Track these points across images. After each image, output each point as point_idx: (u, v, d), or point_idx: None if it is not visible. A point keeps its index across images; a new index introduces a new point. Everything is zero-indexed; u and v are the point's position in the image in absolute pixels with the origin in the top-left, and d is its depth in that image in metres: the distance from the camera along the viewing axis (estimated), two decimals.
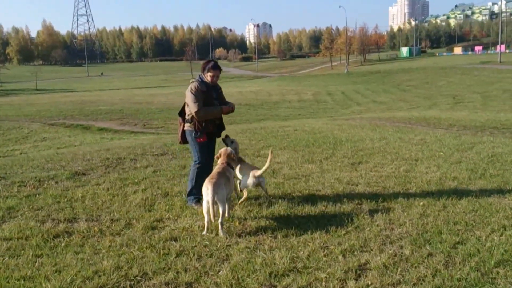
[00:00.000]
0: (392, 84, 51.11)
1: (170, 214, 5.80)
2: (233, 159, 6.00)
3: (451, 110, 24.09)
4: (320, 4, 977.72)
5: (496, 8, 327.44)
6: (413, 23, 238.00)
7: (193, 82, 6.14)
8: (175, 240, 4.94)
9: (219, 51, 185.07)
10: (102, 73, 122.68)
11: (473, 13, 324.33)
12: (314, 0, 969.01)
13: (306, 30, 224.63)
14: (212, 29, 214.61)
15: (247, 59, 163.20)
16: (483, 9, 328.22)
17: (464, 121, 15.37)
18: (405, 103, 33.53)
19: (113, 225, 5.47)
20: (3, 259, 4.53)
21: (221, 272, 4.11)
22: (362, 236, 4.75)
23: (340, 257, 4.26)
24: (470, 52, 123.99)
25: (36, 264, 4.40)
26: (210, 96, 6.13)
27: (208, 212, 5.10)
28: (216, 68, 6.15)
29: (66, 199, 6.58)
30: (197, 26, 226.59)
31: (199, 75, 6.20)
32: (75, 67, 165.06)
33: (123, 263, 4.37)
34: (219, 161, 5.87)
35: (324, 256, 4.29)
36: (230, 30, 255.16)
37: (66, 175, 7.96)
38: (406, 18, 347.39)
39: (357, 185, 6.93)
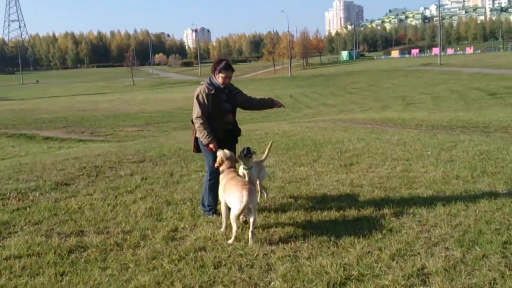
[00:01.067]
0: (337, 87, 52.22)
1: (184, 223, 5.57)
2: (237, 161, 5.78)
3: (405, 111, 24.84)
4: (258, 9, 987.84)
5: (428, 13, 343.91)
6: (349, 27, 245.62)
7: (202, 84, 5.81)
8: (203, 250, 4.71)
9: (159, 57, 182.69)
10: (37, 81, 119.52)
11: (406, 17, 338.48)
12: (252, 5, 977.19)
13: (246, 35, 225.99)
14: (151, 35, 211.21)
15: (187, 64, 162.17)
16: (416, 14, 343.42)
17: (429, 121, 15.85)
18: (356, 105, 34.30)
19: (128, 237, 5.18)
20: (23, 279, 4.15)
21: (273, 283, 3.93)
22: (402, 239, 4.69)
23: (392, 262, 4.16)
24: (407, 55, 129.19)
25: (63, 282, 4.08)
26: (218, 99, 5.73)
27: (237, 220, 4.89)
28: (228, 69, 5.74)
29: (63, 211, 6.21)
30: (135, 31, 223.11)
31: (209, 77, 5.86)
32: (7, 74, 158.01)
33: (161, 277, 4.11)
34: (225, 168, 5.46)
35: (375, 262, 4.18)
36: (168, 35, 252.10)
37: (50, 186, 7.52)
38: (342, 23, 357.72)
39: (361, 187, 6.92)
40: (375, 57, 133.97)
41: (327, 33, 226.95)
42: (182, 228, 5.42)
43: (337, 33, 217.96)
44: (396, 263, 4.14)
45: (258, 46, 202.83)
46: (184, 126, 24.69)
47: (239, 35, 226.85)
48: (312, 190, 6.83)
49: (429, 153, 9.22)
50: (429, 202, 5.87)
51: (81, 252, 4.80)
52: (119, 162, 9.65)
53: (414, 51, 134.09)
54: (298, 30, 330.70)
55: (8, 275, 4.27)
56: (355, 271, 4.00)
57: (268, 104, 6.15)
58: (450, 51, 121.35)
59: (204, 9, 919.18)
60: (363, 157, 9.11)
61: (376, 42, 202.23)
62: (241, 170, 5.92)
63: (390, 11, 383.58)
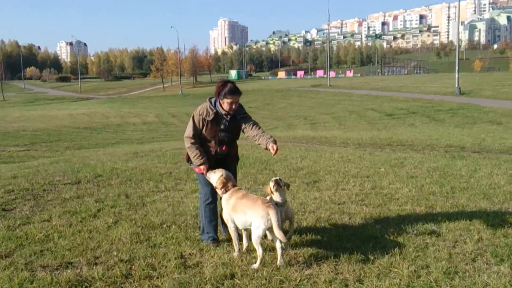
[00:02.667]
0: None
1: (187, 249, 5.13)
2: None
3: (315, 130, 25.68)
4: (138, 23, 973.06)
5: (309, 36, 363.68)
6: (235, 47, 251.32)
7: (206, 103, 5.22)
8: (234, 277, 4.35)
9: (31, 70, 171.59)
10: None
11: (289, 39, 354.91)
12: (132, 20, 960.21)
13: (128, 50, 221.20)
14: (21, 46, 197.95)
15: (64, 79, 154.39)
16: (298, 37, 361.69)
17: (352, 139, 16.49)
18: (260, 124, 34.86)
19: (133, 267, 4.65)
20: None
21: None
22: (439, 256, 4.68)
23: (450, 281, 4.11)
24: (293, 77, 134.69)
25: None
26: (213, 128, 5.15)
27: (261, 241, 4.59)
28: (235, 92, 5.07)
29: (28, 241, 5.46)
30: (2, 42, 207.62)
31: (215, 98, 5.21)
32: None
33: None
34: (230, 186, 5.02)
35: (433, 282, 4.10)
36: (39, 47, 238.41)
37: None
38: (227, 42, 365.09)
39: (345, 203, 6.93)
40: (263, 77, 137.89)
41: (213, 52, 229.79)
42: (190, 254, 5.00)
43: (223, 52, 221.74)
44: (452, 280, 4.11)
45: (141, 62, 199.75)
46: (77, 146, 23.35)
47: (121, 50, 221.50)
48: (296, 209, 6.65)
49: (383, 170, 9.52)
50: (428, 218, 5.98)
51: (86, 287, 4.21)
52: (50, 183, 8.81)
53: (300, 73, 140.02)
54: (186, 47, 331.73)
55: None
56: None
57: (265, 143, 5.13)
58: (332, 74, 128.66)
59: (79, 21, 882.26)
60: (320, 175, 9.16)
61: (262, 63, 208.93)
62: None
63: (274, 33, 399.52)
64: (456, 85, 41.35)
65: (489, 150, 12.60)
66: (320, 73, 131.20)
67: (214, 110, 5.12)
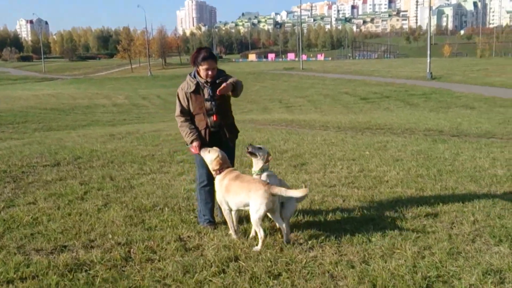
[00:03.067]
0: None
1: (184, 232, 5.08)
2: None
3: (292, 113, 25.69)
4: (104, 2, 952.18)
5: (279, 18, 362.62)
6: (203, 28, 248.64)
7: (186, 77, 5.16)
8: (239, 260, 4.32)
9: None
10: None
11: (259, 21, 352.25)
12: None
13: (92, 29, 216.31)
14: None
15: (26, 58, 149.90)
16: (268, 19, 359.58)
17: (331, 123, 16.58)
18: (234, 107, 34.72)
19: (130, 250, 4.61)
20: None
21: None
22: (437, 237, 4.76)
23: (455, 261, 4.19)
24: (264, 59, 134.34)
25: None
26: (198, 99, 5.05)
27: (262, 223, 4.60)
28: (210, 58, 4.97)
29: (16, 225, 5.35)
30: None
31: (194, 70, 5.14)
32: None
33: None
34: (224, 167, 4.91)
35: (439, 263, 4.16)
36: None
37: None
38: (195, 23, 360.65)
39: (335, 186, 6.97)
40: (234, 60, 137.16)
41: (181, 33, 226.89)
42: (188, 236, 4.96)
43: (192, 33, 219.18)
44: (457, 260, 4.19)
45: (107, 42, 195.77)
46: (46, 127, 22.85)
47: (84, 29, 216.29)
48: None
49: (367, 153, 9.61)
50: (420, 200, 6.08)
51: (87, 271, 4.14)
52: (28, 165, 8.61)
53: (271, 56, 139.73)
54: (153, 27, 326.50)
55: None
56: (435, 272, 3.96)
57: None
58: (303, 57, 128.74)
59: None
60: (306, 157, 9.18)
61: (232, 45, 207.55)
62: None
63: (243, 14, 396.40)
64: (428, 70, 41.99)
65: (467, 134, 12.88)
66: (291, 56, 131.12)
67: (195, 82, 5.04)
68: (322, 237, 4.77)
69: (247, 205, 4.67)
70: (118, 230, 5.10)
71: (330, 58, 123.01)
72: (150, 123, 23.65)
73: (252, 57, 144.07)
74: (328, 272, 4.04)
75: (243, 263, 4.22)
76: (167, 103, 39.68)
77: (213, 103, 5.07)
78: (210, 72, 4.98)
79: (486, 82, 34.68)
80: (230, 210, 4.88)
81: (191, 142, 5.08)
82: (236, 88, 5.04)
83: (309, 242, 4.68)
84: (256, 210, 4.52)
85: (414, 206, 5.79)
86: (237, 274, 4.04)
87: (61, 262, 4.24)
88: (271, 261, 4.23)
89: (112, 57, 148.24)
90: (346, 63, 78.87)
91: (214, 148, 5.00)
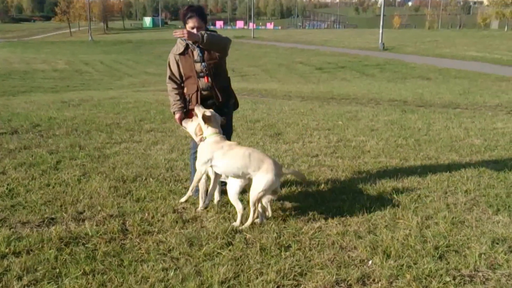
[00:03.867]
0: (153, 55, 51.19)
1: (175, 203, 4.99)
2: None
3: (248, 82, 25.52)
4: None
5: None
6: None
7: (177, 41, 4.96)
8: (240, 232, 4.27)
9: None
10: None
11: None
12: None
13: None
14: None
15: None
16: None
17: (293, 92, 16.67)
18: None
19: (124, 222, 4.48)
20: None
21: (370, 262, 3.73)
22: (436, 206, 4.85)
23: (466, 229, 4.29)
24: (212, 27, 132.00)
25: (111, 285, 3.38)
26: (188, 61, 4.86)
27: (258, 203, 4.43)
28: (196, 16, 4.71)
29: None
30: None
31: None
32: None
33: (234, 272, 3.58)
34: (214, 134, 4.59)
35: (446, 232, 4.24)
36: None
37: None
38: None
39: (317, 156, 6.98)
40: (180, 26, 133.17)
41: None
42: (183, 208, 4.85)
43: None
44: (461, 230, 4.28)
45: (42, 3, 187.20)
46: None
47: None
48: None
49: (340, 123, 9.67)
50: (407, 170, 6.18)
51: (84, 244, 3.98)
52: None
53: (219, 23, 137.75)
54: None
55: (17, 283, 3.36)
56: (444, 242, 4.02)
57: None
58: (251, 25, 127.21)
59: None
60: (280, 127, 9.14)
61: (177, 10, 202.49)
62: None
63: None
64: (380, 41, 42.65)
65: (431, 104, 13.23)
66: (240, 24, 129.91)
67: (184, 43, 4.86)
68: (322, 208, 4.78)
69: (245, 176, 4.42)
70: (107, 202, 4.93)
71: (279, 27, 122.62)
72: (97, 90, 23.01)
73: None
74: (337, 242, 4.04)
75: (249, 235, 4.17)
76: (112, 69, 38.70)
77: (203, 64, 4.85)
78: (195, 31, 4.66)
79: (437, 53, 35.62)
80: (206, 180, 4.75)
81: (174, 114, 4.98)
82: (210, 42, 4.62)
83: (310, 212, 4.67)
84: (259, 186, 4.28)
85: (403, 175, 5.88)
86: (245, 246, 3.98)
87: (54, 236, 4.06)
88: (277, 233, 4.20)
89: (48, 20, 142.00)
90: (297, 33, 78.94)
91: (210, 110, 4.67)
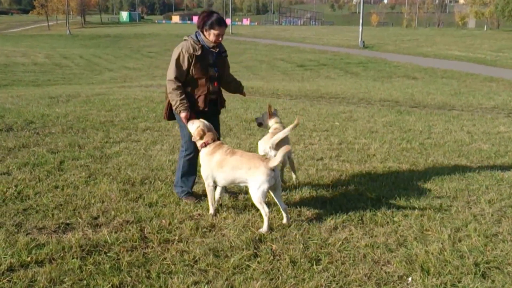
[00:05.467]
0: (131, 50, 50.57)
1: (192, 209, 4.81)
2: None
3: None
4: None
5: None
6: None
7: (186, 40, 4.84)
8: (262, 241, 4.10)
9: None
10: None
11: None
12: None
13: None
14: None
15: None
16: None
17: (280, 90, 16.48)
18: (163, 70, 33.71)
19: (142, 229, 4.30)
20: None
21: (410, 279, 3.57)
22: (462, 217, 4.72)
23: (490, 244, 4.15)
24: (189, 22, 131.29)
25: None
26: (204, 63, 4.81)
27: (265, 201, 4.38)
28: (223, 24, 4.80)
29: (1, 198, 4.91)
30: None
31: (196, 32, 4.89)
32: None
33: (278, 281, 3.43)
34: (209, 140, 4.64)
35: (473, 246, 4.11)
36: None
37: None
38: None
39: (322, 159, 6.85)
40: (156, 21, 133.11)
41: None
42: (199, 215, 4.67)
43: None
44: (497, 244, 4.13)
45: None
46: None
47: None
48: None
49: (337, 123, 9.56)
50: (420, 176, 6.04)
51: (106, 253, 3.81)
52: None
53: (196, 18, 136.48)
54: None
55: None
56: (482, 257, 3.87)
57: (238, 88, 5.50)
58: (228, 21, 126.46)
59: None
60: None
61: (154, 5, 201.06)
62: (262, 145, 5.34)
63: None
64: (360, 39, 42.63)
65: (425, 105, 13.18)
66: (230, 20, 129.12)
67: (200, 45, 4.80)
68: (343, 216, 4.63)
69: (243, 182, 4.49)
70: (120, 207, 4.76)
71: (256, 23, 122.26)
72: (79, 85, 22.63)
73: (176, 19, 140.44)
74: (368, 256, 3.90)
75: (274, 246, 4.02)
76: (91, 64, 38.07)
77: (215, 69, 4.95)
78: (220, 38, 4.83)
79: (419, 52, 35.58)
80: (215, 186, 4.69)
81: (180, 113, 4.79)
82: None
83: (332, 221, 4.52)
84: (258, 187, 4.30)
85: (417, 182, 5.76)
86: (272, 257, 3.83)
87: (75, 244, 3.88)
88: (303, 244, 4.05)
89: (26, 13, 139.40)
90: (274, 29, 78.62)
91: (200, 119, 4.75)
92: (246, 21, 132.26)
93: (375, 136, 8.37)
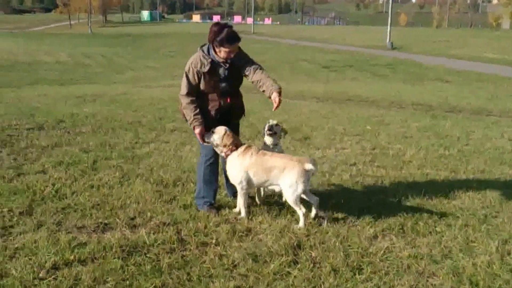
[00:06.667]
0: (151, 49, 51.08)
1: (224, 212, 4.88)
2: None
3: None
4: None
5: None
6: None
7: (197, 52, 4.64)
8: (300, 247, 4.13)
9: None
10: None
11: None
12: None
13: None
14: None
15: None
16: None
17: (306, 92, 16.46)
18: (183, 70, 33.96)
19: (178, 231, 4.38)
20: None
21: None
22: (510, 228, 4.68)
23: None
24: (209, 21, 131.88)
25: None
26: (214, 78, 4.63)
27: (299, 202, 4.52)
28: (235, 41, 4.52)
29: (38, 197, 5.07)
30: None
31: (207, 45, 4.66)
32: None
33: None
34: (238, 144, 4.64)
35: None
36: None
37: None
38: None
39: (355, 164, 6.80)
40: (177, 20, 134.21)
41: None
42: (235, 218, 4.73)
43: None
44: None
45: None
46: None
47: None
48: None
49: (369, 127, 9.50)
50: (460, 184, 5.91)
51: (145, 254, 3.90)
52: (10, 128, 8.24)
53: (216, 18, 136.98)
54: None
55: None
56: None
57: (268, 91, 4.68)
58: (249, 20, 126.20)
59: None
60: (305, 131, 9.00)
61: (174, 4, 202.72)
62: None
63: None
64: (388, 39, 42.41)
65: (460, 110, 13.02)
66: (237, 19, 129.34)
67: (209, 60, 4.59)
68: (383, 225, 4.61)
69: (275, 184, 4.60)
70: (156, 208, 4.87)
71: (278, 23, 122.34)
72: (101, 84, 22.90)
73: (196, 18, 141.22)
74: (412, 267, 3.87)
75: (313, 253, 4.03)
76: (113, 63, 38.53)
77: (228, 84, 4.72)
78: (232, 55, 4.58)
79: (450, 54, 35.09)
80: (248, 190, 4.73)
81: (194, 128, 4.69)
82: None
83: (371, 229, 4.51)
84: (295, 188, 4.45)
85: (458, 191, 5.64)
86: (312, 265, 3.84)
87: (115, 244, 3.98)
88: (343, 252, 4.04)
89: (49, 11, 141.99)
90: (297, 29, 78.70)
91: (218, 126, 4.69)
92: (267, 21, 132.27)
93: (410, 142, 8.31)
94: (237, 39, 4.54)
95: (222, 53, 4.54)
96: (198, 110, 4.64)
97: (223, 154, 4.68)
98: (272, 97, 4.61)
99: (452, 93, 16.89)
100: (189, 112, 4.64)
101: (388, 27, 42.76)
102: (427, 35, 52.17)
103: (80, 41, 60.13)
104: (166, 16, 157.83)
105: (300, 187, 4.42)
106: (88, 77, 28.82)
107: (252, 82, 4.75)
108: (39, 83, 23.16)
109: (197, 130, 4.65)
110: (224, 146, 4.62)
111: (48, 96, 13.06)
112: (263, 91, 4.69)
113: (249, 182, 4.64)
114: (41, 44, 53.72)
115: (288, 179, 4.45)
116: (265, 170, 4.54)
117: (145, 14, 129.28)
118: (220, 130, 4.64)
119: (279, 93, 4.60)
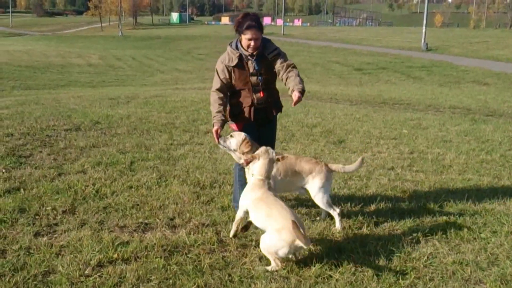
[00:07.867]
0: (181, 52, 51.70)
1: None
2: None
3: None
4: None
5: None
6: None
7: (227, 48, 4.70)
8: (340, 251, 4.15)
9: None
10: None
11: None
12: None
13: None
14: None
15: None
16: None
17: (339, 95, 16.45)
18: (214, 72, 34.17)
19: (217, 233, 4.48)
20: None
21: None
22: None
23: None
24: None
25: None
26: (242, 73, 4.62)
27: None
28: (253, 27, 4.44)
29: (80, 196, 5.24)
30: None
31: (236, 39, 4.67)
32: None
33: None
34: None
35: None
36: None
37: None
38: None
39: (393, 169, 6.76)
40: (206, 22, 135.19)
41: None
42: None
43: None
44: None
45: None
46: (24, 86, 22.31)
47: None
48: (346, 176, 6.28)
49: (405, 131, 9.44)
50: (505, 191, 5.81)
51: (186, 254, 4.01)
52: (48, 129, 8.36)
53: None
54: None
55: None
56: None
57: (292, 87, 4.53)
58: (279, 21, 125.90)
59: None
60: (339, 134, 8.98)
61: (204, 6, 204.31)
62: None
63: None
64: (423, 41, 41.89)
65: (501, 114, 12.83)
66: (267, 20, 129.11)
67: (237, 54, 4.59)
68: (425, 230, 4.59)
69: (301, 188, 4.77)
70: (194, 209, 4.98)
71: (308, 24, 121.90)
72: (133, 86, 23.28)
73: (225, 20, 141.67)
74: (457, 273, 3.86)
75: (354, 256, 4.05)
76: (143, 65, 39.13)
77: (259, 78, 4.65)
78: (252, 43, 4.49)
79: (489, 56, 34.40)
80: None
81: (213, 126, 4.65)
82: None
83: (413, 234, 4.50)
84: (325, 191, 4.65)
85: (502, 197, 5.57)
86: (354, 268, 3.85)
87: (156, 244, 4.10)
88: (385, 257, 4.04)
89: (80, 14, 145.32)
90: (328, 30, 78.06)
91: (237, 132, 4.69)
92: (297, 22, 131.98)
93: (450, 146, 8.24)
94: (257, 25, 4.48)
95: (244, 41, 4.51)
96: (222, 107, 4.64)
97: (241, 162, 4.49)
98: (292, 94, 4.50)
99: (492, 96, 16.64)
100: (213, 109, 4.67)
101: (424, 27, 42.17)
102: (464, 36, 51.19)
103: (111, 44, 61.33)
104: (195, 18, 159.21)
105: (329, 189, 4.61)
106: (120, 80, 29.37)
107: (282, 79, 4.70)
108: (72, 86, 23.72)
109: (214, 128, 4.61)
110: (242, 153, 4.51)
111: (82, 98, 13.33)
112: (288, 88, 4.61)
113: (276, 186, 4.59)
114: (72, 46, 54.94)
115: (316, 183, 4.62)
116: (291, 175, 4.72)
117: (175, 16, 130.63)
118: (239, 136, 4.58)
119: (301, 92, 4.50)
